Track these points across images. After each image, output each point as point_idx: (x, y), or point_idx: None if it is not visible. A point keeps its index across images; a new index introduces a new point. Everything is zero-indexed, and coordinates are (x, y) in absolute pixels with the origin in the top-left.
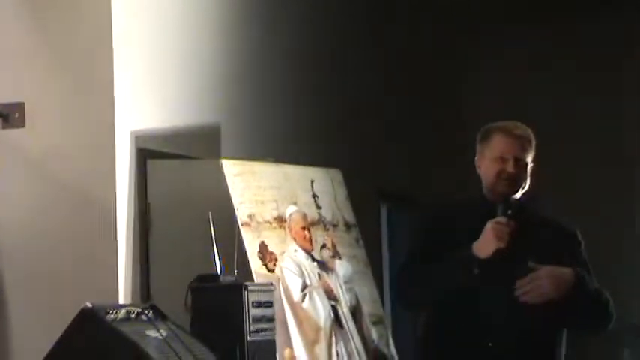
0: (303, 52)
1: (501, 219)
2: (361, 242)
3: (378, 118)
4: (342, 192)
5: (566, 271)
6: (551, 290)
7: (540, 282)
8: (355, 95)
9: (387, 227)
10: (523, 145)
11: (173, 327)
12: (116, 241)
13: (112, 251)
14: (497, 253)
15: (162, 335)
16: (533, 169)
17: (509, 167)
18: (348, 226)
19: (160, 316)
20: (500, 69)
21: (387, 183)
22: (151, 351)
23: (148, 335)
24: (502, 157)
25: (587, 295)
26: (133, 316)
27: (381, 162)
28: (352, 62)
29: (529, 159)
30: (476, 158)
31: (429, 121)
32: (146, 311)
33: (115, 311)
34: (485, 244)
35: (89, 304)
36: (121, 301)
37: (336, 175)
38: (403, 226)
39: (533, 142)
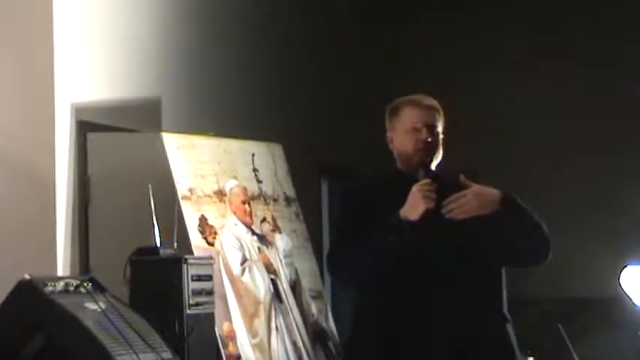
0: (243, 27)
1: (426, 181)
2: (301, 217)
3: (320, 92)
4: (282, 166)
5: (493, 190)
6: (476, 206)
7: (466, 199)
8: (296, 69)
9: (328, 202)
10: (433, 115)
11: (112, 300)
12: (55, 213)
13: (50, 223)
14: (427, 214)
15: (101, 308)
16: (444, 140)
17: (424, 135)
18: (288, 201)
19: (99, 288)
20: (447, 41)
21: (327, 158)
22: (90, 324)
23: (86, 308)
24: (415, 128)
25: (518, 212)
26: (71, 288)
27: (322, 137)
28: (293, 35)
29: (440, 128)
30: (387, 134)
31: (372, 94)
32: (85, 284)
33: (53, 283)
34: (414, 207)
35: (27, 276)
36: (60, 273)
37: (277, 149)
38: None
39: (441, 112)
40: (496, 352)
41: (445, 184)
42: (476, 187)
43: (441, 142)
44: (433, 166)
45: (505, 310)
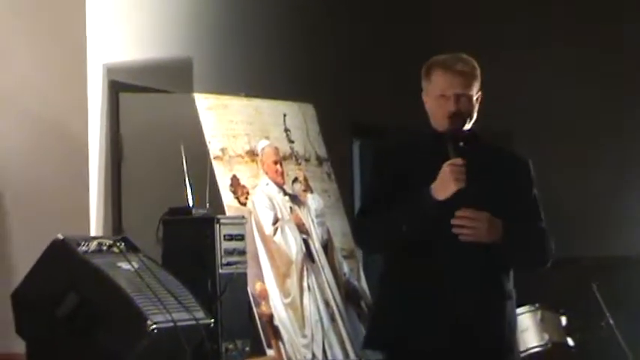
0: None
1: (457, 160)
2: (333, 177)
3: (352, 51)
4: (314, 126)
5: (499, 222)
6: (485, 233)
7: (480, 223)
8: (328, 28)
9: (359, 162)
10: (465, 80)
11: (145, 259)
12: (88, 173)
13: (83, 184)
14: (457, 193)
15: (133, 267)
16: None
17: (451, 105)
18: (320, 161)
19: (132, 248)
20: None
21: (360, 117)
22: (122, 283)
23: (119, 267)
24: (443, 95)
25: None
26: (104, 248)
27: (354, 96)
28: None
29: (473, 91)
30: (423, 94)
31: (405, 52)
32: (118, 243)
33: (86, 243)
34: (444, 187)
35: (60, 236)
36: (93, 233)
37: (309, 109)
38: None
39: (477, 73)
40: (489, 330)
41: (478, 151)
42: (488, 215)
43: (474, 103)
44: (468, 126)
45: (508, 286)
